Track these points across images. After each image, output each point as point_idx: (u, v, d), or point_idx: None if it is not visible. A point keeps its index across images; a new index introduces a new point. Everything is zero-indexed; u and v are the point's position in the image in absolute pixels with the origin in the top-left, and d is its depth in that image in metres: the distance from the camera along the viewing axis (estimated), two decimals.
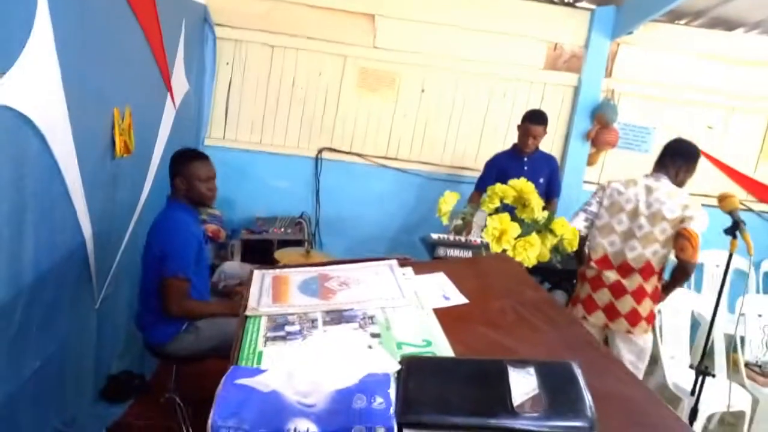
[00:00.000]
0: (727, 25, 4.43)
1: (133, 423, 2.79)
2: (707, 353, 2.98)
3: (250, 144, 4.41)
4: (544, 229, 2.22)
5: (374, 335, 1.16)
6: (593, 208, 2.97)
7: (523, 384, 0.95)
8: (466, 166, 4.57)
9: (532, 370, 0.98)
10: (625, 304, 2.83)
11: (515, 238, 2.07)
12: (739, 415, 3.31)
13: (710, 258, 4.54)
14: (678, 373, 3.38)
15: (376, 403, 0.85)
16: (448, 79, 4.45)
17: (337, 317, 1.23)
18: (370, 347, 1.00)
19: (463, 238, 3.26)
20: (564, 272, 3.48)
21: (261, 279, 1.41)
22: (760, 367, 3.53)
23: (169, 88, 3.24)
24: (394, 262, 1.56)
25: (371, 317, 1.24)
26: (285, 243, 3.95)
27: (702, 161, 4.67)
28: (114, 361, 2.98)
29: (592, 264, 2.89)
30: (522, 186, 2.26)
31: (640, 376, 2.71)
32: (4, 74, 1.55)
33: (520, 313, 1.34)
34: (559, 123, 4.55)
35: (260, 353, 1.06)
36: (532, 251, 2.08)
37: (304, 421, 0.81)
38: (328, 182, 4.52)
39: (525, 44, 4.42)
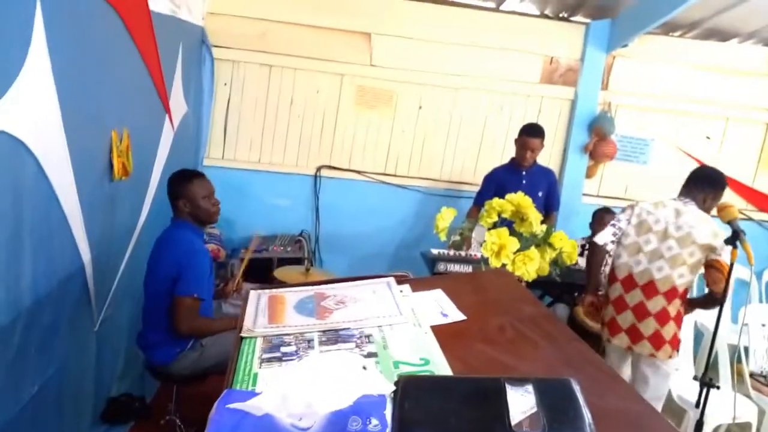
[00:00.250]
0: (722, 35, 4.46)
1: None
2: (711, 364, 2.96)
3: (249, 163, 4.42)
4: (543, 242, 2.22)
5: (371, 354, 1.15)
6: (622, 224, 2.93)
7: (521, 402, 0.94)
8: (464, 180, 4.58)
9: (530, 387, 0.97)
10: (648, 326, 2.78)
11: (514, 253, 2.06)
12: (746, 426, 3.27)
13: None
14: (682, 385, 3.36)
15: (372, 425, 0.84)
16: (445, 95, 4.48)
17: (334, 337, 1.22)
18: (364, 368, 0.99)
19: (463, 253, 3.27)
20: (565, 285, 3.47)
21: (257, 299, 1.40)
22: (765, 377, 3.50)
23: (168, 110, 3.25)
24: (392, 279, 1.55)
25: (368, 336, 1.23)
26: (285, 261, 3.95)
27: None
28: (114, 383, 2.96)
29: (617, 284, 2.86)
30: (519, 200, 2.26)
31: (662, 402, 2.68)
32: None
33: (519, 330, 1.33)
34: (556, 136, 4.56)
35: (255, 375, 1.05)
36: (531, 265, 2.07)
37: None
38: (328, 200, 4.53)
39: (521, 59, 4.45)
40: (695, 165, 4.65)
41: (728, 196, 4.54)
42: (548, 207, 4.00)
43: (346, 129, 4.47)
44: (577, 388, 0.98)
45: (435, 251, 3.30)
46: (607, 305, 2.91)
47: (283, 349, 1.15)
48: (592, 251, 3.01)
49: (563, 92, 4.51)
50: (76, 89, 2.02)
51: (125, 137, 2.56)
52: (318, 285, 1.55)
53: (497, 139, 4.55)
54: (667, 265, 2.77)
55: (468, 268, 3.13)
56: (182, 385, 2.68)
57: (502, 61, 4.43)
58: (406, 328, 1.28)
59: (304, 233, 4.44)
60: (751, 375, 3.43)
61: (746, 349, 3.55)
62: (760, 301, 4.60)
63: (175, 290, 2.44)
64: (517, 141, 3.85)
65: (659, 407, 2.65)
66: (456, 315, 1.39)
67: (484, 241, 2.09)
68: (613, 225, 2.95)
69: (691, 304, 2.93)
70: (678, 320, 2.82)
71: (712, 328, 2.68)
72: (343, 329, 1.25)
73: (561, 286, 3.50)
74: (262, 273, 3.80)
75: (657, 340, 2.79)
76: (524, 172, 3.86)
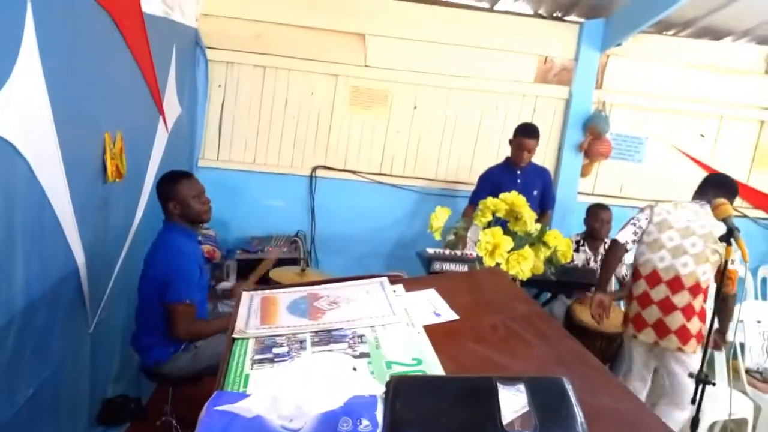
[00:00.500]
0: (715, 34, 4.47)
1: None
2: (708, 361, 2.97)
3: (243, 164, 4.42)
4: (537, 241, 2.22)
5: (363, 355, 1.15)
6: (642, 223, 2.98)
7: (512, 401, 0.94)
8: (460, 180, 4.58)
9: (522, 386, 0.97)
10: (675, 320, 2.80)
11: (508, 252, 2.06)
12: (742, 423, 3.28)
13: None
14: None
15: (362, 426, 0.83)
16: (440, 95, 4.48)
17: (326, 338, 1.22)
18: (354, 369, 0.98)
19: (458, 252, 3.27)
20: (560, 284, 3.47)
21: (249, 300, 1.40)
22: (761, 373, 3.51)
23: (161, 112, 3.24)
24: (385, 279, 1.55)
25: (360, 336, 1.23)
26: (281, 262, 3.94)
27: (697, 170, 4.73)
28: (109, 385, 2.96)
29: (641, 281, 2.89)
30: (513, 199, 2.26)
31: (689, 399, 2.71)
32: None
33: (512, 328, 1.33)
34: (551, 135, 4.57)
35: (247, 376, 1.05)
36: (525, 264, 2.07)
37: None
38: (323, 200, 4.53)
39: (515, 58, 4.45)
40: (690, 163, 4.72)
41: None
42: (543, 206, 4.00)
43: (341, 129, 4.47)
44: (569, 387, 0.98)
45: (431, 251, 3.30)
46: (631, 301, 2.95)
47: (275, 350, 1.15)
48: (612, 249, 3.03)
49: (558, 91, 4.51)
50: (67, 91, 2.01)
51: (118, 139, 2.56)
52: (311, 286, 1.55)
53: (492, 138, 4.55)
54: (692, 260, 2.80)
55: (464, 268, 3.13)
56: (177, 386, 2.68)
57: (496, 60, 4.43)
58: (399, 328, 1.28)
59: (300, 234, 4.44)
60: (747, 371, 3.44)
61: (742, 346, 3.56)
62: (756, 297, 4.60)
63: (166, 297, 2.44)
64: (513, 141, 3.85)
65: (687, 401, 2.69)
66: (449, 314, 1.39)
67: (479, 241, 2.09)
68: (633, 224, 2.99)
69: (722, 325, 2.97)
70: (702, 316, 2.86)
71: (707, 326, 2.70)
72: (336, 330, 1.25)
73: (556, 285, 3.50)
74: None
75: (684, 334, 2.82)
76: (519, 172, 3.86)
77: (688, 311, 2.81)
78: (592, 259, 3.98)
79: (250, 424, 0.82)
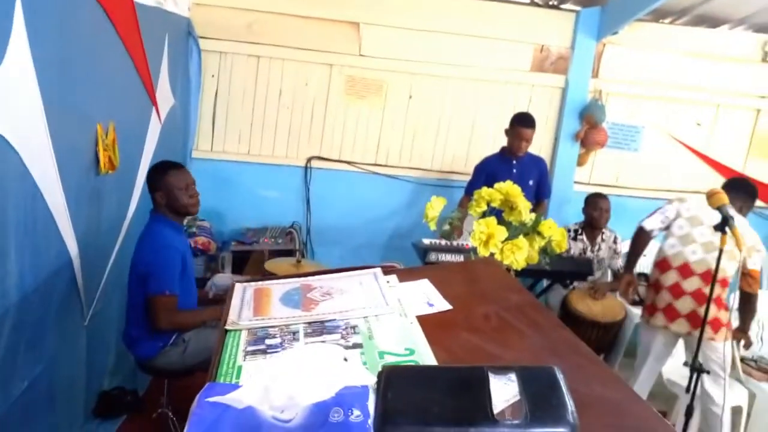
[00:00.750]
0: (712, 22, 4.45)
1: None
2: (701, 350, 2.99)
3: (238, 155, 4.40)
4: (532, 231, 2.22)
5: (356, 345, 1.15)
6: (669, 214, 3.09)
7: (504, 391, 0.94)
8: (456, 170, 4.57)
9: (513, 376, 0.97)
10: (709, 311, 2.84)
11: (503, 242, 2.06)
12: (737, 410, 3.30)
13: None
14: (673, 370, 3.39)
15: (354, 416, 0.83)
16: (436, 85, 4.46)
17: (319, 328, 1.22)
18: (345, 360, 0.98)
19: (454, 243, 3.27)
20: (555, 273, 3.49)
21: (242, 292, 1.40)
22: (755, 362, 3.52)
23: (154, 103, 3.23)
24: (378, 270, 1.55)
25: (353, 327, 1.23)
26: (276, 253, 3.94)
27: (692, 158, 4.73)
28: (105, 377, 2.96)
29: (671, 272, 2.97)
30: (508, 189, 2.25)
31: (724, 383, 2.80)
32: None
33: (505, 318, 1.33)
34: (547, 124, 4.55)
35: (240, 368, 1.05)
36: (519, 254, 2.07)
37: None
38: (319, 191, 4.52)
39: (511, 47, 4.43)
40: (686, 152, 4.71)
41: (718, 182, 4.57)
42: (539, 195, 4.00)
43: (336, 119, 4.45)
44: (560, 376, 0.98)
45: (426, 241, 3.30)
46: (659, 291, 3.02)
47: (268, 342, 1.15)
48: (639, 235, 3.17)
49: (554, 80, 4.49)
50: (58, 83, 2.00)
51: (111, 131, 2.54)
52: (305, 277, 1.55)
53: (488, 128, 4.53)
54: (724, 257, 2.82)
55: (459, 258, 3.14)
56: (172, 378, 2.68)
57: (492, 49, 4.41)
58: (392, 319, 1.28)
59: (295, 225, 4.43)
60: (742, 360, 3.46)
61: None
62: None
63: (147, 289, 2.42)
64: (509, 131, 3.84)
65: (723, 385, 2.83)
66: (442, 305, 1.39)
67: (473, 230, 2.09)
68: (662, 213, 3.13)
69: (744, 323, 3.13)
70: (725, 306, 3.01)
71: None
72: (329, 321, 1.25)
73: (552, 274, 3.51)
74: (253, 265, 3.80)
75: (716, 325, 2.93)
76: (515, 161, 3.86)
77: (718, 303, 2.92)
78: (589, 248, 3.98)
79: (242, 415, 0.82)
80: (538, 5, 4.40)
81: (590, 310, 3.65)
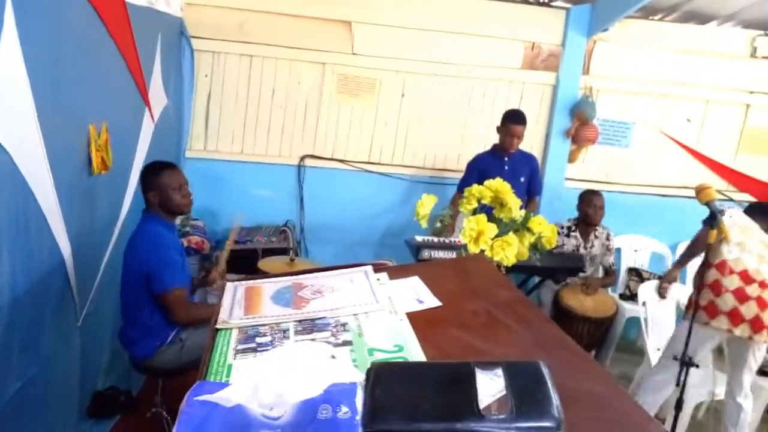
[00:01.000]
0: (701, 18, 4.48)
1: None
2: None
3: (231, 154, 4.40)
4: (522, 227, 2.23)
5: (346, 342, 1.17)
6: (728, 219, 3.06)
7: (490, 386, 0.95)
8: (448, 168, 4.59)
9: (499, 371, 0.99)
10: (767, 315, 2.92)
11: (493, 238, 2.08)
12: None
13: None
14: None
15: (342, 412, 0.85)
16: (428, 83, 4.47)
17: (310, 326, 1.23)
18: (333, 357, 1.00)
19: (447, 240, 3.29)
20: (546, 269, 3.51)
21: (233, 291, 1.41)
22: None
23: (147, 103, 3.23)
24: (369, 268, 1.56)
25: (343, 325, 1.24)
26: (270, 252, 3.95)
27: (683, 154, 4.76)
28: (99, 377, 2.97)
29: (734, 276, 2.95)
30: (498, 186, 2.27)
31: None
32: None
33: (493, 314, 1.35)
34: (538, 121, 4.58)
35: (230, 366, 1.06)
36: (510, 250, 2.08)
37: None
38: (312, 189, 4.53)
39: (502, 45, 4.45)
40: (676, 147, 4.75)
41: (708, 178, 4.62)
42: (531, 192, 4.03)
43: (329, 118, 4.46)
44: (546, 371, 1.00)
45: (419, 238, 3.32)
46: (720, 293, 2.97)
47: (258, 340, 1.16)
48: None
49: (545, 77, 4.52)
50: (50, 83, 2.00)
51: (104, 131, 2.55)
52: (296, 275, 1.56)
53: (480, 125, 4.55)
54: None
55: (452, 254, 3.16)
56: (167, 378, 2.69)
57: (483, 47, 4.42)
58: (382, 316, 1.30)
59: (289, 223, 4.44)
60: None
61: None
62: None
63: (154, 289, 2.44)
64: (501, 128, 3.86)
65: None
66: (432, 301, 1.41)
67: (464, 228, 2.10)
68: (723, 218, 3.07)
69: None
70: None
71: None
72: (319, 318, 1.27)
73: (543, 271, 3.54)
74: (246, 264, 3.81)
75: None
76: (507, 159, 3.88)
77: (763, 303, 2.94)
78: (582, 245, 4.01)
79: (231, 413, 0.83)
80: (528, 3, 4.42)
81: (582, 305, 3.68)
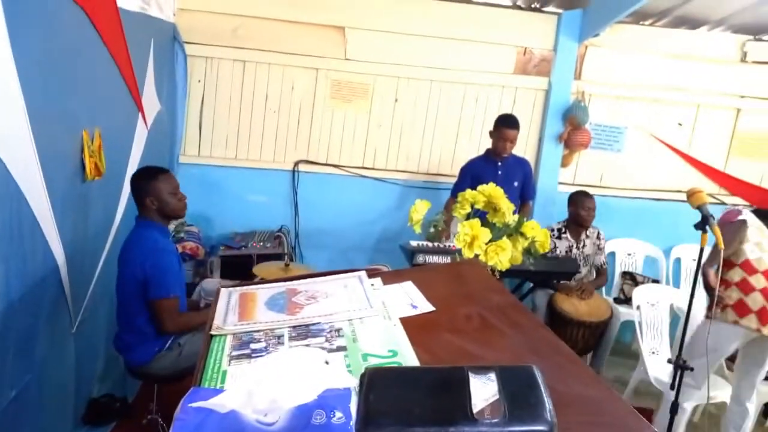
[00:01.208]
0: (692, 23, 4.52)
1: None
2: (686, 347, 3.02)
3: (225, 160, 4.40)
4: (515, 232, 2.25)
5: (340, 348, 1.17)
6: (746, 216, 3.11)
7: (483, 390, 0.96)
8: (442, 172, 4.60)
9: (493, 375, 0.99)
10: None
11: (486, 243, 2.09)
12: (721, 407, 3.35)
13: (687, 252, 4.62)
14: (659, 368, 3.43)
15: (336, 418, 0.85)
16: (421, 88, 4.49)
17: (304, 332, 1.24)
18: (327, 362, 1.00)
19: (441, 245, 3.29)
20: (540, 274, 3.51)
21: (228, 297, 1.41)
22: None
23: (140, 108, 3.23)
24: (363, 273, 1.56)
25: (338, 330, 1.24)
26: (264, 257, 3.95)
27: (674, 158, 4.79)
28: (95, 384, 2.95)
29: (758, 275, 2.98)
30: (491, 191, 2.28)
31: None
32: None
33: (486, 319, 1.35)
34: (531, 126, 4.60)
35: (224, 372, 1.07)
36: (503, 255, 2.09)
37: None
38: (307, 194, 4.53)
39: (495, 50, 4.47)
40: (668, 152, 4.78)
41: (700, 181, 4.65)
42: (524, 196, 4.05)
43: (323, 123, 4.47)
44: (539, 375, 1.00)
45: (414, 243, 3.32)
46: (748, 292, 2.99)
47: (253, 346, 1.16)
48: (742, 227, 3.09)
49: (537, 82, 4.54)
50: (42, 90, 2.00)
51: (97, 137, 2.55)
52: (291, 281, 1.56)
53: (473, 130, 4.57)
54: None
55: (446, 259, 3.16)
56: (163, 384, 2.69)
57: (476, 52, 4.45)
58: (376, 321, 1.30)
59: (284, 229, 4.44)
60: None
61: None
62: None
63: (149, 294, 2.45)
64: (493, 133, 3.88)
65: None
66: (425, 306, 1.41)
67: (458, 232, 2.11)
68: (746, 215, 3.13)
69: None
70: None
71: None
72: (314, 324, 1.27)
73: (537, 275, 3.55)
74: (241, 270, 3.81)
75: None
76: (500, 163, 3.89)
77: None
78: (575, 246, 4.03)
79: (225, 419, 0.83)
80: (520, 8, 4.45)
81: (576, 310, 3.69)
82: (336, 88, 4.42)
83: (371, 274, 1.59)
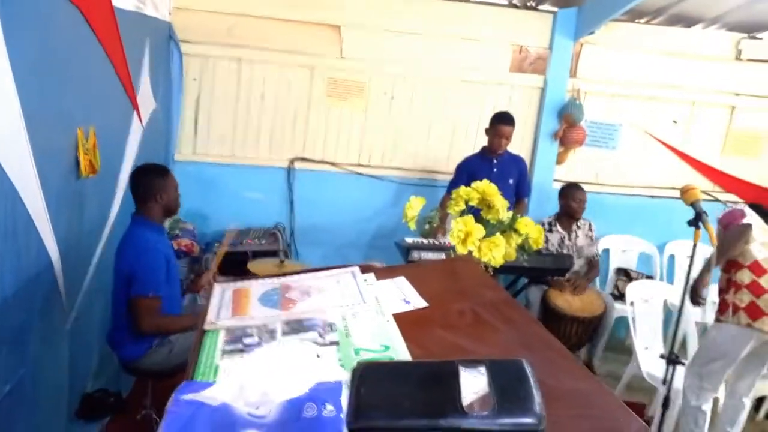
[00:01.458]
0: (686, 21, 4.53)
1: None
2: (681, 343, 3.03)
3: (221, 157, 4.40)
4: (509, 228, 2.26)
5: (333, 343, 1.18)
6: (748, 216, 3.07)
7: (473, 383, 0.97)
8: (438, 170, 4.61)
9: (483, 369, 1.00)
10: None
11: (480, 239, 2.10)
12: (714, 401, 3.36)
13: (681, 249, 4.64)
14: (652, 363, 3.45)
15: (327, 410, 0.86)
16: (417, 86, 4.49)
17: (297, 327, 1.24)
18: (318, 356, 1.01)
19: (436, 241, 3.31)
20: (534, 270, 3.53)
21: (221, 293, 1.42)
22: None
23: (136, 106, 3.23)
24: (356, 268, 1.58)
25: (331, 325, 1.25)
26: (260, 254, 3.95)
27: (669, 155, 4.81)
28: (89, 380, 2.96)
29: (767, 276, 2.96)
30: (485, 188, 2.30)
31: None
32: None
33: (479, 314, 1.37)
34: (527, 124, 4.61)
35: (217, 367, 1.07)
36: (497, 251, 2.11)
37: None
38: (302, 192, 4.53)
39: (491, 48, 4.48)
40: (663, 149, 4.80)
41: (694, 178, 4.67)
42: (519, 194, 4.06)
43: (318, 121, 4.47)
44: (528, 369, 1.01)
45: (409, 240, 3.34)
46: (760, 294, 2.95)
47: (246, 341, 1.17)
48: (744, 233, 3.02)
49: (533, 80, 4.55)
50: (37, 88, 2.00)
51: (91, 135, 2.54)
52: (284, 277, 1.57)
53: (469, 127, 4.58)
54: None
55: (441, 256, 3.17)
56: (156, 380, 2.69)
57: (472, 50, 4.45)
58: (369, 316, 1.31)
59: (279, 226, 4.44)
60: None
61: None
62: None
63: (131, 291, 2.46)
64: (489, 130, 3.90)
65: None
66: (418, 302, 1.43)
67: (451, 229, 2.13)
68: (749, 214, 3.08)
69: None
70: None
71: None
72: (307, 319, 1.28)
73: (531, 271, 3.57)
74: (236, 267, 3.80)
75: None
76: (495, 161, 3.91)
77: None
78: (567, 237, 4.06)
79: (217, 412, 0.84)
80: (516, 7, 4.45)
81: (570, 305, 3.71)
82: (332, 86, 4.41)
83: (364, 269, 1.60)
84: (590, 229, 4.14)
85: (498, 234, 2.17)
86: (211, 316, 1.27)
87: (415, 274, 1.59)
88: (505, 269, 2.78)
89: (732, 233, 3.07)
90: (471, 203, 2.34)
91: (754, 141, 4.83)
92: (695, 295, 3.10)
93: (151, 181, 2.60)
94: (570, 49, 4.48)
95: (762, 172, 4.86)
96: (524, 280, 3.98)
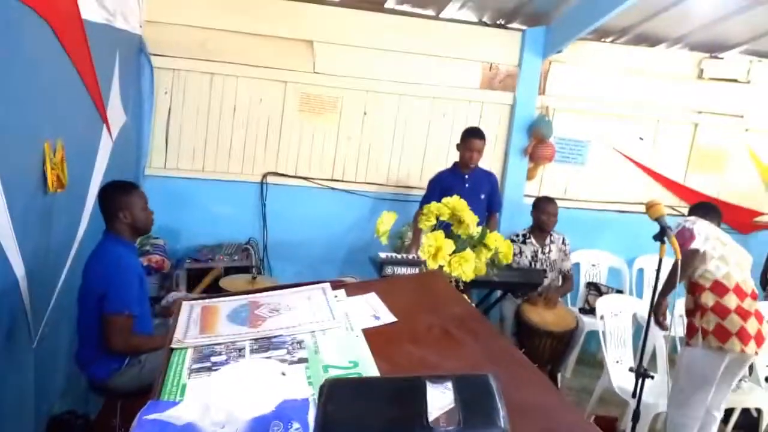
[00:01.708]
0: (651, 41, 4.68)
1: None
2: (651, 355, 3.08)
3: (192, 172, 4.37)
4: (479, 243, 2.29)
5: (302, 360, 1.18)
6: (702, 233, 3.03)
7: (440, 399, 0.98)
8: (411, 185, 4.64)
9: (449, 384, 1.01)
10: (765, 328, 2.96)
11: (450, 254, 2.12)
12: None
13: (649, 263, 4.73)
14: (622, 377, 3.49)
15: (293, 429, 0.86)
16: (390, 102, 4.54)
17: (266, 344, 1.24)
18: (283, 374, 1.01)
19: (409, 256, 3.32)
20: (504, 284, 3.57)
21: (189, 310, 1.41)
22: None
23: (105, 120, 3.19)
24: (327, 285, 1.58)
25: (300, 342, 1.26)
26: (233, 270, 3.92)
27: (636, 171, 4.92)
28: (56, 401, 2.89)
29: (730, 295, 2.94)
30: (455, 203, 2.33)
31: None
32: None
33: (446, 329, 1.38)
34: (497, 140, 4.68)
35: (184, 386, 1.07)
36: (467, 266, 2.13)
37: None
38: (275, 207, 4.51)
39: (461, 65, 4.55)
40: (630, 165, 4.90)
41: (661, 194, 4.78)
42: (491, 208, 4.12)
43: (291, 136, 4.47)
44: (494, 384, 1.03)
45: (383, 255, 3.34)
46: (725, 315, 2.93)
47: (213, 359, 1.17)
48: (693, 258, 2.98)
49: (503, 97, 4.63)
50: (1, 100, 1.97)
51: (59, 149, 2.51)
52: (254, 294, 1.57)
53: (441, 143, 4.63)
54: (748, 274, 3.03)
55: (414, 270, 3.17)
56: (126, 399, 2.64)
57: (443, 67, 4.52)
58: (338, 333, 1.32)
59: (252, 241, 4.41)
60: None
61: (681, 339, 3.71)
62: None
63: (104, 308, 2.41)
64: (461, 144, 3.96)
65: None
66: (388, 317, 1.43)
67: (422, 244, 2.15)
68: (698, 233, 3.02)
69: None
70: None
71: None
72: (275, 337, 1.28)
73: (503, 285, 3.60)
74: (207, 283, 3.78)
75: (761, 340, 2.96)
76: (467, 176, 3.96)
77: (759, 317, 2.97)
78: (540, 250, 4.11)
79: (182, 431, 0.84)
80: (486, 25, 4.54)
81: (543, 320, 3.75)
82: (305, 101, 4.43)
83: (335, 285, 1.60)
84: (564, 243, 4.20)
85: (468, 249, 2.19)
86: (178, 334, 1.27)
87: (386, 290, 1.59)
88: (476, 284, 2.81)
89: (682, 258, 2.98)
90: (442, 218, 2.37)
91: (717, 157, 4.98)
92: (657, 322, 3.08)
93: (115, 198, 2.56)
94: (539, 67, 4.57)
95: (724, 187, 5.01)
96: (497, 294, 4.02)
